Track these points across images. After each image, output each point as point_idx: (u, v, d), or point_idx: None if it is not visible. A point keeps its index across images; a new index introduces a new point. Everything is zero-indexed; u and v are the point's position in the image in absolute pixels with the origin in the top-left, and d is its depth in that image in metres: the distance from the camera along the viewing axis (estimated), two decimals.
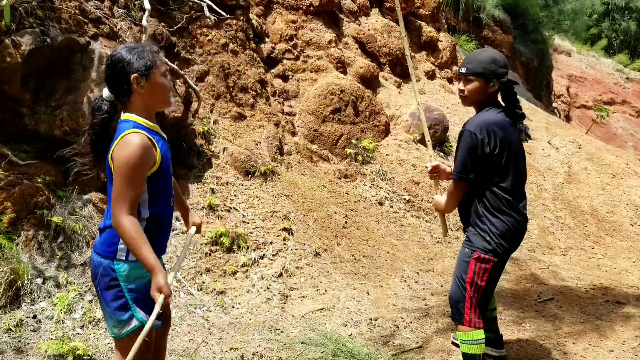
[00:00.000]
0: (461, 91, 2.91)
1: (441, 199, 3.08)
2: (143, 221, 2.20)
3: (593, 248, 6.43)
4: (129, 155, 2.07)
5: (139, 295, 2.20)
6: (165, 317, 2.51)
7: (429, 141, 3.50)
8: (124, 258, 2.18)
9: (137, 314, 2.19)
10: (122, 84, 2.16)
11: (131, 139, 2.09)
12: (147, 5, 5.03)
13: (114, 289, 2.18)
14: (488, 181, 2.82)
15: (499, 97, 2.99)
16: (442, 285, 4.91)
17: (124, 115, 2.22)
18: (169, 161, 2.30)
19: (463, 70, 2.87)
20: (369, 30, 8.32)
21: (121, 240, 2.15)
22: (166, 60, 2.34)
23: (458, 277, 2.95)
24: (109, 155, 2.16)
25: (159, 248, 2.32)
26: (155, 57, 2.22)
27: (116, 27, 4.93)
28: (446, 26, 10.33)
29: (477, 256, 2.86)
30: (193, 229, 2.63)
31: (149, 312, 2.16)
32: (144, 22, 5.00)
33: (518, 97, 2.95)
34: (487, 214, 2.84)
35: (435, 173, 3.27)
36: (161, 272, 2.08)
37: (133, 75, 2.14)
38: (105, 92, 2.24)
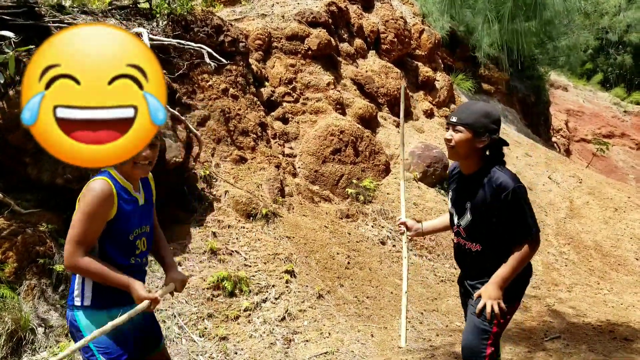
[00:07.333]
0: (448, 140, 2.69)
1: (498, 281, 2.59)
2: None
3: (598, 283, 6.37)
4: (88, 201, 2.18)
5: (100, 344, 2.24)
6: None
7: (403, 201, 3.30)
8: (79, 304, 2.26)
9: None
10: None
11: (93, 186, 2.20)
12: None
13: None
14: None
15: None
16: (447, 325, 4.86)
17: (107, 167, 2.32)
18: (130, 222, 2.30)
19: (454, 119, 2.67)
20: (366, 71, 8.47)
21: (75, 287, 2.27)
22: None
23: (478, 328, 2.65)
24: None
25: (115, 298, 2.30)
26: None
27: None
28: (442, 66, 10.51)
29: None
30: (172, 285, 2.46)
31: None
32: None
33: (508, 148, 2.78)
34: None
35: (403, 228, 3.11)
36: (137, 283, 2.22)
37: None
38: None
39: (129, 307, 2.27)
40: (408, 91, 9.03)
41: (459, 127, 2.64)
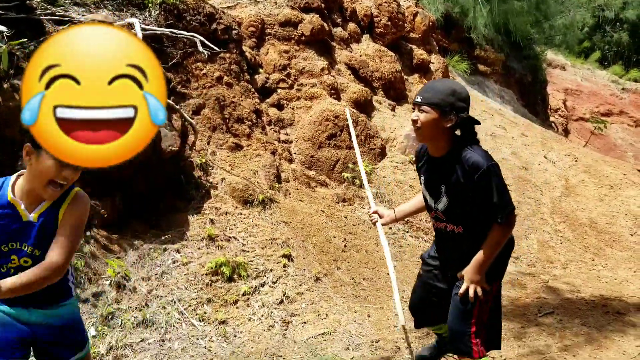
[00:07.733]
0: (414, 121, 2.60)
1: (477, 265, 2.61)
2: None
3: (593, 260, 6.45)
4: None
5: None
6: None
7: (368, 186, 3.47)
8: None
9: None
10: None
11: None
12: None
13: None
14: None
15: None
16: None
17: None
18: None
19: (418, 99, 2.57)
20: (360, 56, 8.48)
21: None
22: None
23: (461, 309, 2.68)
24: None
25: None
26: None
27: None
28: (437, 48, 10.50)
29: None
30: None
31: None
32: None
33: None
34: None
35: (376, 217, 3.17)
36: None
37: (26, 144, 2.19)
38: None
39: (3, 305, 2.32)
40: (403, 74, 9.04)
41: (425, 107, 2.56)
